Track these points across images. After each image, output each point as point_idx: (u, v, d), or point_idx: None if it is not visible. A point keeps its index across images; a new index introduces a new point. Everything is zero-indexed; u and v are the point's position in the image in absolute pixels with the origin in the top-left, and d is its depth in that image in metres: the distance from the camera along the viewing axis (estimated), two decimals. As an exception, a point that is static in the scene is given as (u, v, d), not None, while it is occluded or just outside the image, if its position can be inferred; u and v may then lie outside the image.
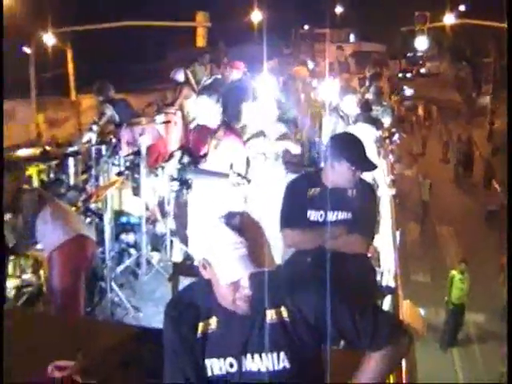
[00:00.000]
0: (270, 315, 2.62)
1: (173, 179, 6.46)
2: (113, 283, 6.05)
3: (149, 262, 6.91)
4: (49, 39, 10.82)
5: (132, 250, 6.91)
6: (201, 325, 2.65)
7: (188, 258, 6.52)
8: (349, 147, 4.31)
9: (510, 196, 4.34)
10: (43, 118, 11.09)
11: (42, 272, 6.18)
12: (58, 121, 11.75)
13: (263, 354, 2.62)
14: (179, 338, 2.66)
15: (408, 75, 42.06)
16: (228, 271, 2.46)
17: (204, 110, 6.18)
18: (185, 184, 6.39)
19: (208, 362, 2.64)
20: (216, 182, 6.02)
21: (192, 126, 8.06)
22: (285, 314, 2.63)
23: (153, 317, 6.01)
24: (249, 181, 5.97)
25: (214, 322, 2.64)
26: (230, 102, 7.00)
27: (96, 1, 15.50)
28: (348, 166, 4.22)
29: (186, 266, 4.90)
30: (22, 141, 10.23)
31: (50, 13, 10.91)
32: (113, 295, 6.02)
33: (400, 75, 37.68)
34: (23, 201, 5.08)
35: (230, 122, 6.42)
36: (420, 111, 37.80)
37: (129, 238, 6.88)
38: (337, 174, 4.27)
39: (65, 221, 5.15)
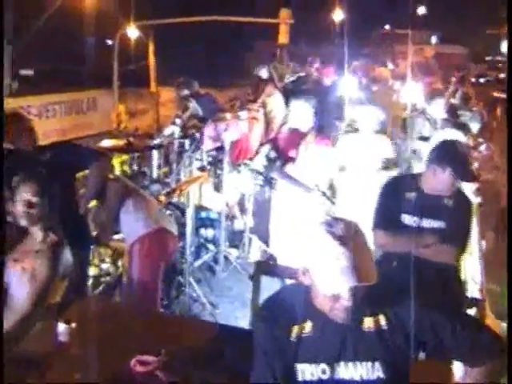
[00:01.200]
0: (368, 323, 2.56)
1: (258, 173, 6.42)
2: (191, 278, 6.04)
3: (226, 259, 6.89)
4: (132, 32, 10.85)
5: (210, 246, 6.90)
6: (295, 328, 2.60)
7: (271, 257, 6.46)
8: (456, 155, 4.20)
9: (510, 196, 4.27)
10: (124, 108, 11.18)
11: (120, 262, 6.22)
12: (138, 112, 11.85)
13: (358, 363, 2.56)
14: (272, 339, 2.61)
15: (482, 80, 40.62)
16: (328, 282, 2.39)
17: (298, 113, 6.12)
18: (268, 182, 6.34)
19: (300, 366, 2.59)
20: (299, 191, 5.97)
21: (276, 125, 8.02)
22: (383, 321, 2.56)
23: (229, 314, 5.98)
24: (333, 202, 5.90)
25: (308, 326, 2.59)
26: (325, 108, 6.91)
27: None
28: (451, 174, 4.11)
29: (268, 266, 4.82)
30: (102, 130, 10.37)
31: (134, 6, 10.98)
32: (190, 290, 6.00)
33: (478, 80, 36.58)
34: (108, 190, 5.10)
35: (323, 128, 6.34)
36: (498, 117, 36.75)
37: (208, 233, 6.86)
38: (437, 180, 4.17)
39: (148, 213, 5.15)
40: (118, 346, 3.21)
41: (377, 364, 2.55)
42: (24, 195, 3.65)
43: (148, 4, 11.71)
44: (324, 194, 5.86)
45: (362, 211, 4.82)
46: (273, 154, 6.33)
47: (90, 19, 11.08)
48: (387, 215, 4.30)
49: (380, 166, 6.26)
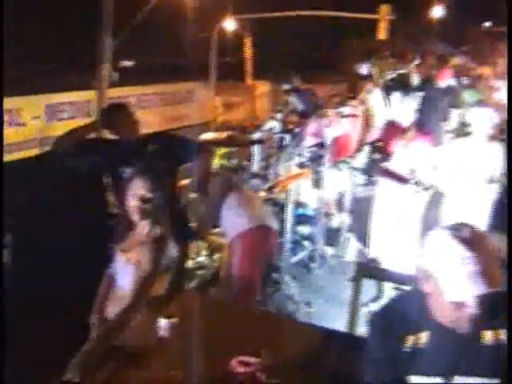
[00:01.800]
0: (488, 335, 2.41)
1: (359, 171, 6.29)
2: (286, 276, 5.95)
3: (322, 257, 6.78)
4: (229, 25, 10.85)
5: (306, 243, 6.80)
6: (410, 338, 2.47)
7: (367, 258, 6.31)
8: None
9: (510, 196, 4.02)
10: (221, 101, 11.22)
11: (216, 256, 6.19)
12: (233, 105, 11.85)
13: (475, 378, 2.41)
14: (385, 348, 2.51)
15: None
16: (455, 288, 2.27)
17: (399, 109, 5.97)
18: (369, 180, 6.21)
19: (413, 378, 2.46)
20: (396, 185, 5.81)
21: (375, 123, 7.85)
22: (503, 336, 2.40)
23: (323, 314, 5.87)
24: (426, 189, 5.69)
25: (424, 336, 2.46)
26: (427, 106, 6.70)
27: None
28: None
29: (370, 269, 4.68)
30: (198, 122, 10.42)
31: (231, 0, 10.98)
32: (285, 288, 5.92)
33: None
34: (211, 184, 5.07)
35: (424, 125, 6.15)
36: None
37: (304, 230, 6.77)
38: None
39: (250, 208, 5.09)
40: (216, 342, 3.15)
41: (495, 381, 2.40)
42: (138, 190, 3.63)
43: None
44: (417, 182, 5.67)
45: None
46: (374, 152, 6.19)
47: (189, 12, 11.13)
48: None
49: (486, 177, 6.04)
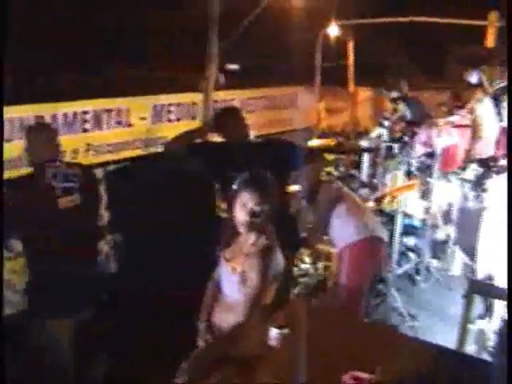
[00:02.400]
0: None
1: (469, 183, 6.07)
2: (392, 287, 5.79)
3: (427, 270, 6.58)
4: (332, 30, 10.71)
5: (411, 254, 6.62)
6: None
7: (486, 277, 6.07)
8: None
9: (510, 196, 3.71)
10: (324, 106, 11.10)
11: (320, 264, 6.10)
12: (335, 110, 11.71)
13: None
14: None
15: None
16: None
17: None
18: (479, 193, 5.98)
19: None
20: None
21: (484, 133, 7.59)
22: None
23: (428, 328, 5.70)
24: None
25: None
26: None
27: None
28: None
29: (485, 286, 4.48)
30: (300, 126, 10.33)
31: (335, 5, 10.83)
32: (391, 300, 5.76)
33: None
34: (321, 192, 4.98)
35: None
36: None
37: (410, 241, 6.59)
38: None
39: (360, 218, 4.99)
40: (325, 353, 3.05)
41: None
42: (247, 203, 3.52)
43: (349, 3, 11.50)
44: None
45: None
46: (485, 164, 5.95)
47: (294, 17, 11.07)
48: None
49: None
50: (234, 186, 3.57)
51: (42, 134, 4.14)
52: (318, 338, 3.20)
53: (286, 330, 3.03)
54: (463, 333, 4.02)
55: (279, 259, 3.62)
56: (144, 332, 4.62)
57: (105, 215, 5.41)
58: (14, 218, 3.89)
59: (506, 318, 2.51)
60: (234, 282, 3.57)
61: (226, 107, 7.10)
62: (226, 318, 3.59)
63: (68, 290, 3.99)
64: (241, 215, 3.53)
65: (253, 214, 3.50)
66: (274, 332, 3.05)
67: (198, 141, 5.08)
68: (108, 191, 4.72)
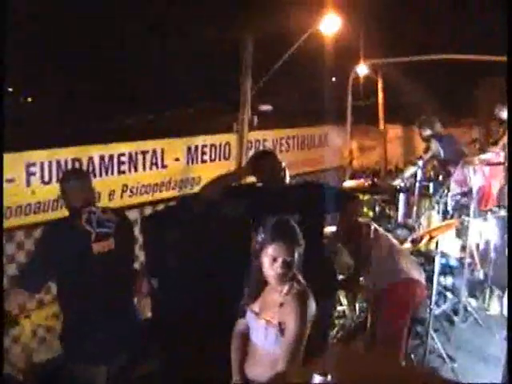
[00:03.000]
0: None
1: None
2: (430, 329, 5.66)
3: (465, 309, 6.44)
4: (361, 69, 10.74)
5: (449, 294, 6.49)
6: None
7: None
8: None
9: (510, 194, 3.55)
10: (356, 144, 11.07)
11: (357, 305, 6.00)
12: (365, 149, 11.67)
13: None
14: None
15: None
16: None
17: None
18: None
19: None
20: None
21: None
22: None
23: (468, 369, 5.56)
24: None
25: None
26: None
27: (409, 35, 15.26)
28: None
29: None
30: (332, 165, 10.29)
31: (363, 44, 10.87)
32: (430, 341, 5.63)
33: None
34: (359, 235, 4.91)
35: None
36: None
37: (447, 280, 6.46)
38: None
39: (397, 261, 4.92)
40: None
41: None
42: (279, 256, 3.38)
43: (378, 42, 11.54)
44: None
45: None
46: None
47: (325, 57, 11.11)
48: None
49: None
50: (260, 238, 3.45)
51: (77, 180, 4.13)
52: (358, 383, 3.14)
53: (329, 378, 2.93)
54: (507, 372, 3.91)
55: (313, 303, 3.51)
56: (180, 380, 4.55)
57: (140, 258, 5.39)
58: (49, 265, 3.88)
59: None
60: (271, 335, 3.43)
61: (263, 150, 7.09)
62: (263, 371, 3.45)
63: (103, 336, 3.95)
64: (271, 268, 3.41)
65: (285, 266, 3.39)
66: (317, 379, 2.95)
67: (235, 184, 5.05)
68: (144, 236, 4.68)
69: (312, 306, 3.47)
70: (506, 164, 7.51)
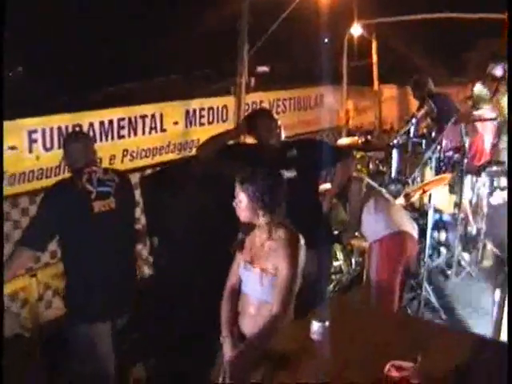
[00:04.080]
0: None
1: (499, 176, 6.00)
2: (425, 282, 5.73)
3: (459, 263, 6.50)
4: (355, 30, 10.65)
5: (442, 249, 6.55)
6: None
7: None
8: None
9: (510, 195, 3.88)
10: (352, 105, 11.02)
11: (353, 260, 6.06)
12: (361, 109, 11.63)
13: None
14: None
15: None
16: None
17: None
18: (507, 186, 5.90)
19: None
20: None
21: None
22: None
23: (461, 321, 5.64)
24: None
25: None
26: None
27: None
28: None
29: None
30: (327, 126, 10.28)
31: (357, 4, 10.77)
32: (424, 294, 5.70)
33: None
34: (352, 190, 4.95)
35: None
36: None
37: (441, 236, 6.51)
38: None
39: (389, 214, 4.96)
40: (365, 346, 3.03)
41: None
42: (255, 202, 3.50)
43: (372, 1, 11.41)
44: None
45: None
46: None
47: (319, 19, 11.02)
48: None
49: None
50: (238, 186, 3.51)
51: (78, 142, 4.16)
52: (356, 333, 3.20)
53: (327, 323, 2.99)
54: (498, 322, 3.98)
55: (303, 248, 3.51)
56: (182, 336, 4.60)
57: (142, 219, 5.42)
58: (51, 223, 3.92)
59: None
60: (266, 281, 3.48)
61: (258, 109, 7.09)
62: (258, 324, 3.47)
63: (106, 294, 4.00)
64: (252, 214, 3.51)
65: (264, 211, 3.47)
66: (315, 326, 3.01)
67: (230, 143, 5.07)
68: (143, 196, 4.70)
69: (303, 251, 3.50)
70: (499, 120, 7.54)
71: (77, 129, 5.87)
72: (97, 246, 3.97)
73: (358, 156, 6.72)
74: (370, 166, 6.67)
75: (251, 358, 3.18)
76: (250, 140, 5.01)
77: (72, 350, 4.04)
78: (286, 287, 3.42)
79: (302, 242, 3.51)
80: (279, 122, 4.79)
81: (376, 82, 11.54)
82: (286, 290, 3.42)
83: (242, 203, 3.51)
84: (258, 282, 3.50)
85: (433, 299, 5.76)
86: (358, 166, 6.54)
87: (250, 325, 3.57)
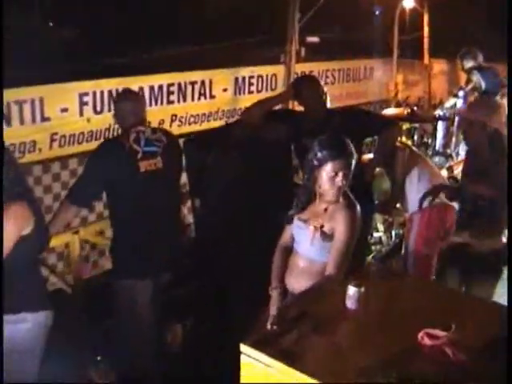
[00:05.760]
0: None
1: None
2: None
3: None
4: (407, 2, 10.37)
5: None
6: None
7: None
8: None
9: (510, 195, 3.75)
10: (402, 78, 10.77)
11: (393, 231, 5.94)
12: (409, 83, 11.36)
13: None
14: None
15: None
16: None
17: None
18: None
19: None
20: None
21: None
22: None
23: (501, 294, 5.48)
24: None
25: None
26: None
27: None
28: None
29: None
30: (376, 98, 10.09)
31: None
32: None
33: None
34: (396, 159, 4.83)
35: None
36: None
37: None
38: None
39: (431, 185, 4.81)
40: (399, 314, 2.94)
41: None
42: (339, 172, 3.38)
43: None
44: None
45: None
46: None
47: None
48: None
49: None
50: (319, 155, 3.40)
51: (129, 100, 4.15)
52: (391, 300, 3.11)
53: (362, 289, 2.91)
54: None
55: (359, 215, 3.48)
56: (223, 297, 4.57)
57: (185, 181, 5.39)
58: (97, 181, 3.93)
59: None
60: (317, 241, 3.42)
61: (305, 75, 6.99)
62: (304, 283, 3.39)
63: (150, 252, 3.99)
64: (332, 183, 3.41)
65: (345, 179, 3.39)
66: (351, 290, 2.94)
67: (276, 108, 4.99)
68: (187, 158, 4.66)
69: (359, 218, 3.47)
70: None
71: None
72: (142, 204, 3.95)
73: (404, 127, 6.56)
74: (415, 137, 6.51)
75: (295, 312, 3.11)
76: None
77: (113, 306, 4.06)
78: (342, 250, 3.38)
79: (359, 209, 3.48)
80: (325, 90, 4.69)
81: (426, 56, 11.24)
82: (341, 252, 3.39)
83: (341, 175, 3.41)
84: (309, 240, 3.45)
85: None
86: (403, 138, 6.38)
87: (296, 282, 3.52)
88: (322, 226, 3.43)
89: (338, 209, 3.44)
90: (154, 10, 11.08)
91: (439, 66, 11.87)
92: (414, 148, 5.09)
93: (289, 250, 3.66)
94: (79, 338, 4.17)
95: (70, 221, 4.38)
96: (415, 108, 6.69)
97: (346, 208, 3.44)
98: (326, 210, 3.48)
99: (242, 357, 2.57)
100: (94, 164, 4.02)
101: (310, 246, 3.45)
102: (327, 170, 3.40)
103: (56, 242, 4.48)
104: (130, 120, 4.01)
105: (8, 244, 2.97)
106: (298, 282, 3.50)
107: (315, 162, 3.44)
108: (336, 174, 3.38)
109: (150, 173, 3.96)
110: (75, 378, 3.93)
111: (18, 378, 3.07)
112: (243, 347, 2.57)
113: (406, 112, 6.70)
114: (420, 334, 2.62)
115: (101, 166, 3.95)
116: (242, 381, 2.59)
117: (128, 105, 4.08)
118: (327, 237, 3.42)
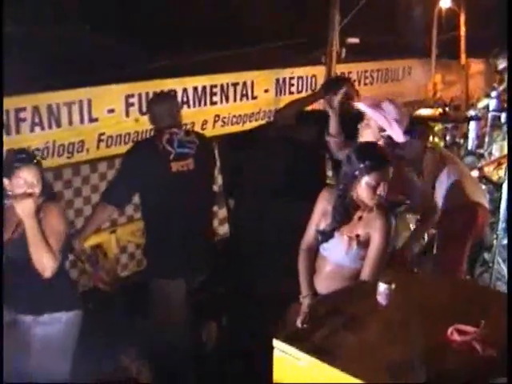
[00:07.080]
0: None
1: None
2: (498, 256, 5.49)
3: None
4: (444, 2, 10.25)
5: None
6: None
7: None
8: None
9: (510, 195, 3.92)
10: (440, 78, 10.64)
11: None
12: (446, 83, 11.21)
13: None
14: None
15: None
16: None
17: None
18: None
19: None
20: None
21: None
22: None
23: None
24: None
25: None
26: None
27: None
28: None
29: None
30: (414, 98, 9.98)
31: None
32: (496, 268, 5.46)
33: None
34: (426, 159, 4.79)
35: None
36: None
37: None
38: None
39: (462, 184, 4.76)
40: (428, 310, 2.91)
41: None
42: (379, 184, 3.34)
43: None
44: None
45: None
46: None
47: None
48: None
49: None
50: (359, 165, 3.33)
51: (163, 102, 4.19)
52: (421, 297, 3.10)
53: (393, 285, 2.92)
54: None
55: (394, 222, 3.47)
56: (257, 298, 4.56)
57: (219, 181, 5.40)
58: (131, 181, 3.98)
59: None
60: (353, 250, 3.42)
61: (338, 76, 6.98)
62: (334, 286, 3.40)
63: (183, 252, 4.02)
64: (372, 193, 3.35)
65: (386, 188, 3.35)
66: (382, 287, 2.95)
67: (308, 108, 4.97)
68: (221, 157, 4.68)
69: (393, 225, 3.45)
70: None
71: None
72: (175, 204, 3.98)
73: (436, 128, 6.49)
74: (447, 137, 6.44)
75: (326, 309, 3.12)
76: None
77: (147, 305, 4.10)
78: (378, 258, 3.39)
79: (393, 217, 3.47)
80: (357, 90, 4.67)
81: (463, 56, 11.07)
82: (377, 260, 3.39)
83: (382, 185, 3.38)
84: (344, 249, 3.43)
85: (505, 273, 5.51)
86: (435, 139, 6.32)
87: (323, 285, 3.53)
88: (357, 236, 3.41)
89: (374, 217, 3.41)
90: (197, 14, 11.14)
91: (476, 66, 11.70)
92: (443, 149, 5.04)
93: (313, 253, 3.63)
94: (116, 335, 4.21)
95: (106, 220, 4.44)
96: (447, 109, 6.60)
97: (382, 216, 3.40)
98: (360, 218, 3.45)
99: (275, 351, 2.59)
100: (127, 164, 4.08)
101: (345, 255, 3.44)
102: (368, 181, 3.33)
103: (93, 240, 4.54)
104: (163, 121, 4.04)
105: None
106: (324, 285, 3.52)
107: (355, 173, 3.35)
108: (377, 184, 3.33)
109: (182, 173, 4.00)
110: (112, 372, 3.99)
111: (50, 376, 3.11)
112: (276, 342, 2.59)
113: (438, 113, 6.62)
114: (450, 330, 2.63)
115: (134, 167, 4.00)
116: (274, 375, 2.60)
117: (162, 106, 4.11)
118: (361, 244, 3.40)
